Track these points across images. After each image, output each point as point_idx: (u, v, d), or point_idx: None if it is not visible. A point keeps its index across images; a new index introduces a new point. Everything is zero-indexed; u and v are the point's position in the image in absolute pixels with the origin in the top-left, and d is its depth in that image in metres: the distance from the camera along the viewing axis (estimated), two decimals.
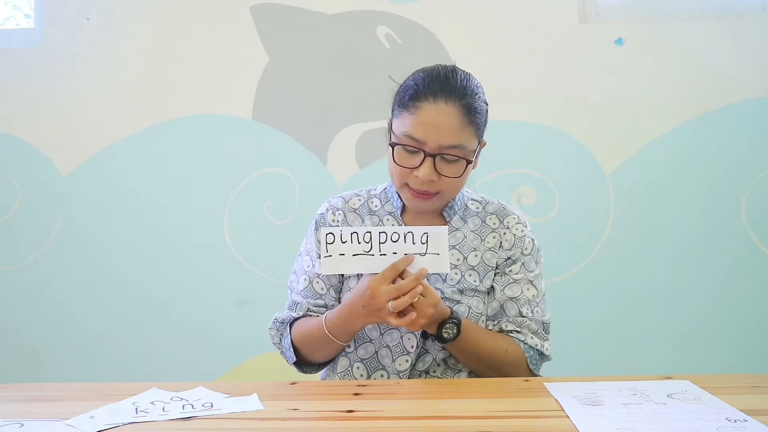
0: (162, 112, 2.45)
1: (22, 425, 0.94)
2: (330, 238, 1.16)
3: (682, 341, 2.29)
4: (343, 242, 1.16)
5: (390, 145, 1.26)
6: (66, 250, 2.48)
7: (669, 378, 1.12)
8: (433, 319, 1.16)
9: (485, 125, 1.28)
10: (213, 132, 2.43)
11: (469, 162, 1.24)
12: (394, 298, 1.12)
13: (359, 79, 2.37)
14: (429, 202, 1.27)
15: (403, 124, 1.23)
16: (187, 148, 2.44)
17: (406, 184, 1.26)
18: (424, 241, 1.16)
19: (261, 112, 2.42)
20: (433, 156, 1.21)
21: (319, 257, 1.33)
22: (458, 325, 1.19)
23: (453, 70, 1.25)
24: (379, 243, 1.16)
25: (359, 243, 1.16)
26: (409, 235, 1.16)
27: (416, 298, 1.12)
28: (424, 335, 1.25)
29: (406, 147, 1.22)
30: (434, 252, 1.16)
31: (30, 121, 2.49)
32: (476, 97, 1.24)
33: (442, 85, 1.22)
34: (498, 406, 1.02)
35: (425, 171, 1.21)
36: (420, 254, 1.16)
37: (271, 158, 2.42)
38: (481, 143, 1.29)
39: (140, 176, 2.45)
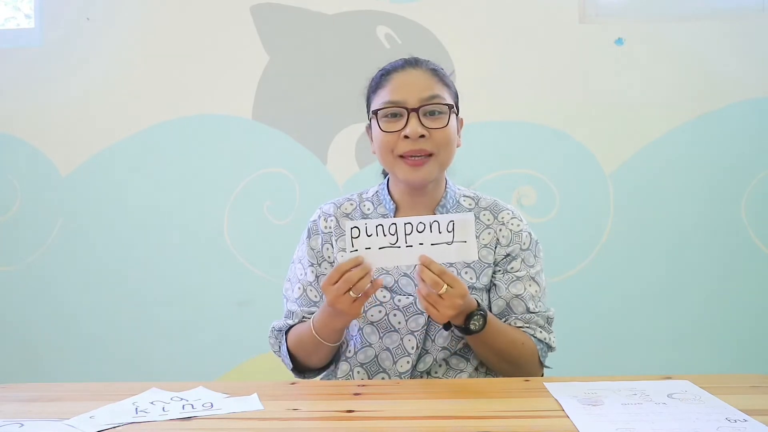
0: (162, 112, 2.45)
1: (22, 425, 0.94)
2: (355, 233, 1.13)
3: (682, 341, 2.29)
4: (369, 236, 1.13)
5: (373, 113, 1.29)
6: (66, 250, 2.48)
7: (669, 378, 1.12)
8: (460, 310, 1.14)
9: (457, 97, 1.34)
10: (213, 132, 2.43)
11: (451, 109, 1.27)
12: (348, 290, 1.11)
13: (359, 79, 2.35)
14: (426, 168, 1.26)
15: (380, 98, 1.29)
16: (187, 148, 2.44)
17: (400, 157, 1.26)
18: (450, 229, 1.13)
19: (261, 112, 2.42)
20: (416, 110, 1.24)
21: (314, 265, 1.34)
22: (485, 317, 1.19)
23: (415, 56, 1.35)
24: (405, 234, 1.13)
25: (384, 235, 1.13)
26: (435, 224, 1.13)
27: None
28: (447, 326, 1.22)
29: (389, 112, 1.27)
30: (461, 240, 1.13)
31: (30, 121, 2.49)
32: (442, 69, 1.33)
33: (407, 60, 1.32)
34: (498, 406, 1.02)
35: (413, 126, 1.24)
36: (447, 243, 1.13)
37: (271, 158, 2.42)
38: (459, 119, 1.33)
39: (140, 176, 2.45)
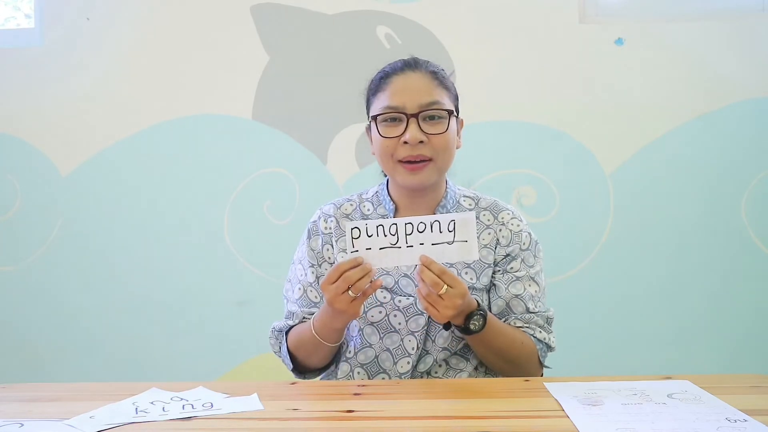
0: (162, 112, 2.45)
1: (22, 425, 0.94)
2: (356, 233, 1.13)
3: (682, 341, 2.29)
4: (369, 236, 1.12)
5: (372, 117, 1.29)
6: (66, 250, 2.47)
7: (669, 378, 1.12)
8: (460, 310, 1.14)
9: (457, 99, 1.33)
10: (213, 132, 2.43)
11: (451, 114, 1.27)
12: (347, 290, 1.11)
13: (359, 79, 2.35)
14: (425, 173, 1.27)
15: (380, 103, 1.28)
16: (187, 148, 2.44)
17: (399, 161, 1.26)
18: (451, 228, 1.12)
19: (261, 112, 2.42)
20: (416, 116, 1.24)
21: (314, 266, 1.34)
22: (485, 317, 1.19)
23: (415, 57, 1.34)
24: (406, 234, 1.12)
25: (385, 236, 1.12)
26: (436, 224, 1.12)
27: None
28: (447, 326, 1.22)
29: (388, 117, 1.26)
30: (462, 239, 1.12)
31: (30, 121, 2.49)
32: (441, 70, 1.32)
33: (406, 62, 1.32)
34: (498, 406, 1.02)
35: (412, 132, 1.24)
36: (447, 243, 1.12)
37: (271, 158, 2.42)
38: (459, 120, 1.33)
39: (140, 176, 2.45)
